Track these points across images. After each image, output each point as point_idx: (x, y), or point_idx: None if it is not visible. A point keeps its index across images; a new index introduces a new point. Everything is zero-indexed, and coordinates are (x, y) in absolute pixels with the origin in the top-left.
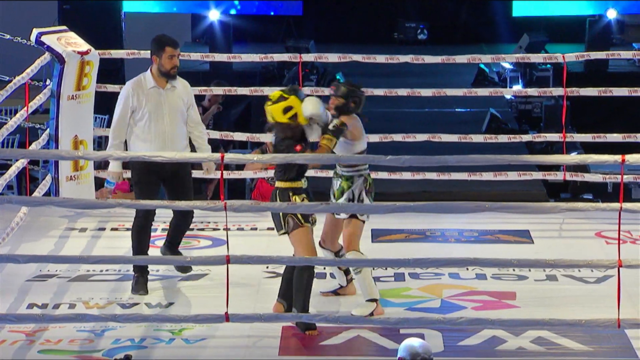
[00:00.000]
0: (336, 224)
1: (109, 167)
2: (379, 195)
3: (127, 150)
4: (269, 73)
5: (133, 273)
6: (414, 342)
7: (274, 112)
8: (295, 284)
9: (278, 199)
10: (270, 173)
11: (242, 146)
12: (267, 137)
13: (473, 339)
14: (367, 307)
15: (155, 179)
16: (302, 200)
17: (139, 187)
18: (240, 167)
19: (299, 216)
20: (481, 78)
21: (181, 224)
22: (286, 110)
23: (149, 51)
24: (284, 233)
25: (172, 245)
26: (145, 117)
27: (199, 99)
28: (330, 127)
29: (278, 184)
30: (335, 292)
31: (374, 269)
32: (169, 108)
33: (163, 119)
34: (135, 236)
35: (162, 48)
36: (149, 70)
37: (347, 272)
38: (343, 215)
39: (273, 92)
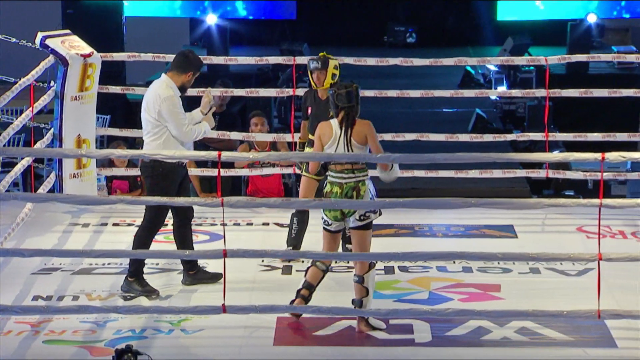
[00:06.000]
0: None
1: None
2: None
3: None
4: (264, 75)
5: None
6: None
7: None
8: None
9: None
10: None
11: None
12: (263, 137)
13: (460, 330)
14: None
15: (174, 184)
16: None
17: (158, 192)
18: (231, 164)
19: None
20: (467, 79)
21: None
22: None
23: (149, 54)
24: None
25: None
26: None
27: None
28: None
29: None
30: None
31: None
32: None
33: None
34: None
35: (199, 68)
36: (169, 79)
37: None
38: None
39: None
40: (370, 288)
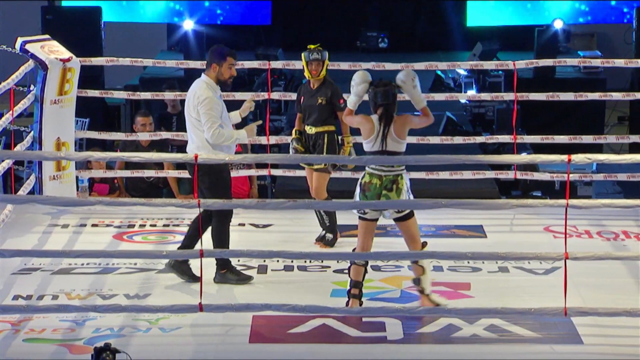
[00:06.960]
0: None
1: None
2: (343, 193)
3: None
4: (239, 79)
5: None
6: None
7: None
8: None
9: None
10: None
11: None
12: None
13: (430, 327)
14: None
15: (224, 173)
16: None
17: (223, 189)
18: None
19: None
20: (438, 84)
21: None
22: None
23: (127, 59)
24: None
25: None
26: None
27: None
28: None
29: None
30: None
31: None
32: (226, 113)
33: (228, 123)
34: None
35: (223, 58)
36: (207, 77)
37: None
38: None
39: None
40: (426, 266)
